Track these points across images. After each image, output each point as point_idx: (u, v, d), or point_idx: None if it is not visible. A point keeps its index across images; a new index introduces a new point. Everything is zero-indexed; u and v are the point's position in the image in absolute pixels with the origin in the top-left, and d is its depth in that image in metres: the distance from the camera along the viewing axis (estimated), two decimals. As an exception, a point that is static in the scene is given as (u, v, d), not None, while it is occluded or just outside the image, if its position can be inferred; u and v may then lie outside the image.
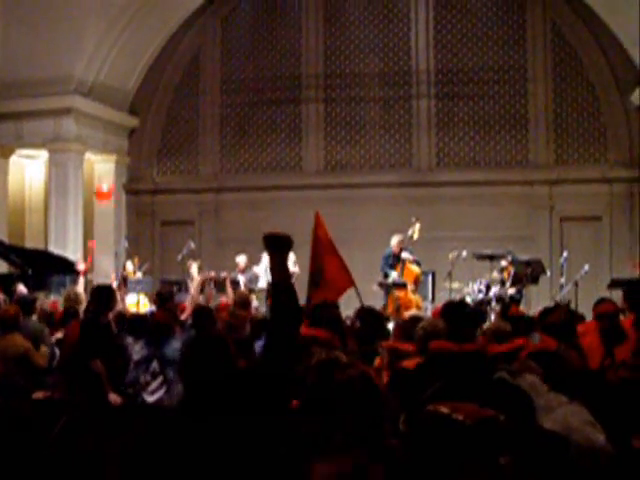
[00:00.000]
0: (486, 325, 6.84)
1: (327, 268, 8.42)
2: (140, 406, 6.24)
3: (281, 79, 18.08)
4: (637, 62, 15.88)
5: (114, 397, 6.36)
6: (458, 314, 6.08)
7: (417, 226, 13.34)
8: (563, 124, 16.94)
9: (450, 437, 2.66)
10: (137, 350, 6.96)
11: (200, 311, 7.68)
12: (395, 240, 13.44)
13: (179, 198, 18.33)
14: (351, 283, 8.46)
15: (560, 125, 16.95)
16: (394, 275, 13.15)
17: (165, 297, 8.79)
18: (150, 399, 6.60)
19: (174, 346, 6.85)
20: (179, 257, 14.61)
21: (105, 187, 17.66)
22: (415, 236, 13.33)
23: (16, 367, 6.14)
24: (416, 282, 13.23)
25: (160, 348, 6.89)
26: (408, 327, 6.90)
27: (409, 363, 5.79)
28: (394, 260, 13.40)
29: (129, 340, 7.42)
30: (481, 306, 12.03)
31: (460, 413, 2.71)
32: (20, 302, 7.96)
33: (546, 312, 7.07)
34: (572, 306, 12.02)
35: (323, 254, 8.47)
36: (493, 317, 10.93)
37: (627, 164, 16.44)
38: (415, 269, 13.26)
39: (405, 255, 13.15)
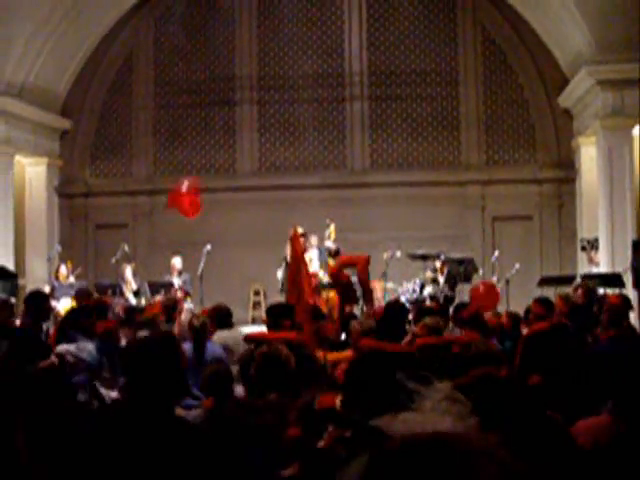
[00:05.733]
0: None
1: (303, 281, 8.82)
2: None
3: (215, 80, 18.02)
4: (562, 65, 16.30)
5: None
6: (391, 314, 6.27)
7: (332, 227, 13.46)
8: (493, 125, 17.27)
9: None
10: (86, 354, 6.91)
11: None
12: (314, 241, 13.58)
13: (112, 201, 18.09)
14: (313, 300, 8.85)
15: (491, 127, 17.27)
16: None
17: (83, 295, 8.80)
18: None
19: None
20: (113, 260, 14.49)
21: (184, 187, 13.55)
22: (332, 237, 13.43)
23: None
24: None
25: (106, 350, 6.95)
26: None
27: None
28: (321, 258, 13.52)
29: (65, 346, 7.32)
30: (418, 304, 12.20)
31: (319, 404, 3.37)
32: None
33: (458, 308, 7.43)
34: (504, 303, 12.33)
35: (300, 269, 8.93)
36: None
37: (555, 165, 16.85)
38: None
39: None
